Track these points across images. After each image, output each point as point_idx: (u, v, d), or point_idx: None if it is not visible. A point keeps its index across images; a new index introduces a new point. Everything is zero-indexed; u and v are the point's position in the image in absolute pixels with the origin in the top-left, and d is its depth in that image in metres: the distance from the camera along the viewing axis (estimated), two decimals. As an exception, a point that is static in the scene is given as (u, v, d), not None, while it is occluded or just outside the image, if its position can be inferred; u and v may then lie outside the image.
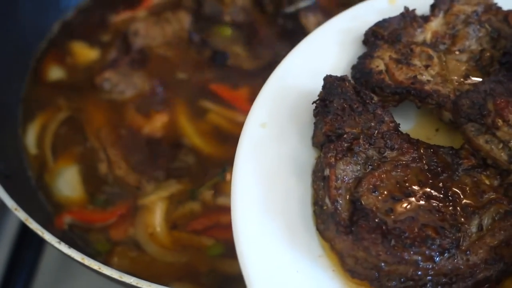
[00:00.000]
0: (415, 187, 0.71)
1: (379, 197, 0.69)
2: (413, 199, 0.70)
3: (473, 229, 0.69)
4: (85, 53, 1.34)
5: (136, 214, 1.12)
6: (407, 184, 0.71)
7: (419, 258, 0.66)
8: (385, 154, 0.73)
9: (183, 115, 1.23)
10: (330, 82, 0.76)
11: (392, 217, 0.68)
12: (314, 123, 0.78)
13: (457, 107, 0.76)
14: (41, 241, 1.19)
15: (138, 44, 1.33)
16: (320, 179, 0.72)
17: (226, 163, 1.16)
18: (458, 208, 0.70)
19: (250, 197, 0.73)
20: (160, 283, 0.90)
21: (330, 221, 0.69)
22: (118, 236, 1.10)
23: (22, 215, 0.98)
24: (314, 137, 0.78)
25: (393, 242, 0.66)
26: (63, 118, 1.25)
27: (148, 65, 1.30)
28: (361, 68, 0.81)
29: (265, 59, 1.31)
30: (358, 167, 0.72)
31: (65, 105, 1.26)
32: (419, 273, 0.66)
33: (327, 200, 0.70)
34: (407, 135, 0.76)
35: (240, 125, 1.16)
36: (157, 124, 1.22)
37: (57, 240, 0.96)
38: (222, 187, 1.15)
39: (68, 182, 1.16)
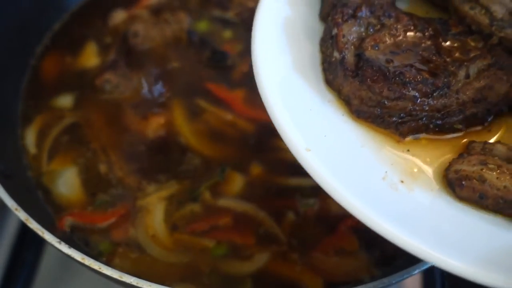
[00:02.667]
0: (411, 45, 0.83)
1: (380, 52, 0.81)
2: (410, 53, 0.82)
3: (462, 76, 0.80)
4: (85, 53, 1.34)
5: (137, 215, 1.12)
6: (403, 44, 0.83)
7: (416, 94, 0.77)
8: (384, 21, 0.85)
9: (180, 116, 1.23)
10: None
11: (392, 64, 0.80)
12: None
13: None
14: (41, 241, 1.19)
15: (138, 45, 1.33)
16: (328, 39, 0.84)
17: (224, 163, 1.17)
18: (448, 60, 0.82)
19: (269, 53, 0.83)
20: (162, 284, 0.90)
21: (339, 69, 0.81)
22: (119, 237, 1.10)
23: (22, 215, 0.98)
24: (321, 10, 0.89)
25: (393, 80, 0.77)
26: (64, 121, 1.25)
27: (147, 66, 1.30)
28: None
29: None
30: (362, 29, 0.83)
31: (65, 106, 1.26)
32: (416, 108, 0.78)
33: (335, 53, 0.81)
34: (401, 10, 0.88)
35: (234, 126, 1.17)
36: (155, 125, 1.22)
37: (57, 240, 0.95)
38: (222, 188, 1.15)
39: (68, 183, 1.16)
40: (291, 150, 0.75)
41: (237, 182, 1.15)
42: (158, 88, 1.27)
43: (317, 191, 1.14)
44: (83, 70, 1.31)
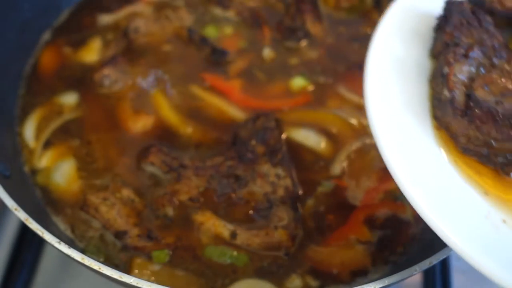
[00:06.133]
0: None
1: (490, 93, 0.82)
2: None
3: None
4: (84, 48, 1.34)
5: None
6: None
7: None
8: (495, 62, 0.86)
9: (174, 108, 1.24)
10: (451, 2, 0.93)
11: (501, 106, 0.80)
12: (434, 37, 0.93)
13: None
14: (41, 241, 1.19)
15: (138, 41, 1.33)
16: (439, 77, 0.86)
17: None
18: None
19: (381, 87, 0.87)
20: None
21: (448, 107, 0.82)
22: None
23: (22, 215, 0.98)
24: (433, 48, 0.92)
25: (502, 123, 0.78)
26: (63, 115, 1.25)
27: (147, 62, 1.30)
28: None
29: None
30: (472, 69, 0.85)
31: (69, 104, 1.26)
32: None
33: (445, 92, 0.83)
34: None
35: (231, 115, 1.20)
36: (149, 119, 1.22)
37: (57, 240, 0.95)
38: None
39: (65, 177, 1.16)
40: (397, 183, 0.78)
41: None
42: (156, 84, 1.27)
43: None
44: (82, 66, 1.31)
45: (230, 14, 1.39)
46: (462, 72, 0.84)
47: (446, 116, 0.83)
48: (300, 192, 1.13)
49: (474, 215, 0.77)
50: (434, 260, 0.95)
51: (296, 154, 1.18)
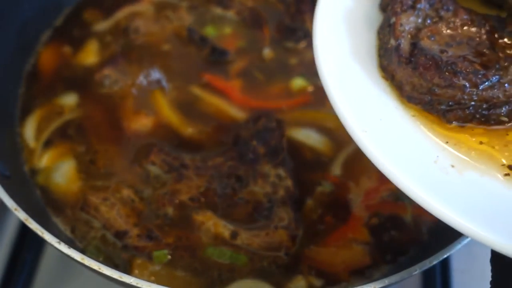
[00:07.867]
0: (466, 39, 0.86)
1: (435, 42, 0.85)
2: (464, 45, 0.86)
3: None
4: (84, 49, 1.34)
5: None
6: (459, 37, 0.87)
7: (466, 83, 0.80)
8: (442, 14, 0.88)
9: (175, 109, 1.24)
10: None
11: (446, 54, 0.83)
12: None
13: None
14: (41, 241, 1.18)
15: (138, 41, 1.34)
16: (386, 27, 0.88)
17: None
18: (501, 56, 0.85)
19: (329, 39, 0.88)
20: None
21: (393, 55, 0.84)
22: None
23: (22, 215, 0.98)
24: (381, 0, 0.93)
25: (445, 69, 0.80)
26: (63, 116, 1.25)
27: (147, 62, 1.30)
28: None
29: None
30: (419, 20, 0.87)
31: (69, 104, 1.26)
32: (465, 97, 0.81)
33: (391, 41, 0.85)
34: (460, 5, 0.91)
35: (231, 116, 1.20)
36: (149, 119, 1.23)
37: (57, 240, 0.95)
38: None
39: (65, 177, 1.16)
40: (348, 131, 0.80)
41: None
42: (157, 82, 1.27)
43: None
44: (82, 66, 1.31)
45: (230, 14, 1.39)
46: (408, 22, 0.86)
47: (391, 64, 0.85)
48: (300, 192, 1.13)
49: (423, 159, 0.78)
50: (434, 260, 0.95)
51: (296, 154, 1.18)
